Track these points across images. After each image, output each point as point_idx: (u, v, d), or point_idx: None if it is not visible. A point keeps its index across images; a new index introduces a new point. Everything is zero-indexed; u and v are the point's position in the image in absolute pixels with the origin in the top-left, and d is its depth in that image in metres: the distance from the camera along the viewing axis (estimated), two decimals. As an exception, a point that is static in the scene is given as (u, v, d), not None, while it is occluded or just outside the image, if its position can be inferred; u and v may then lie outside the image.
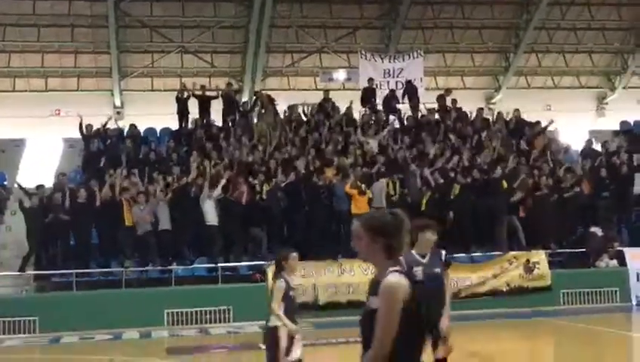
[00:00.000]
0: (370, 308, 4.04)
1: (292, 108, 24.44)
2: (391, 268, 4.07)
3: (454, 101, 25.10)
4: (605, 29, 31.83)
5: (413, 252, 7.51)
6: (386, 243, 4.14)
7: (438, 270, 7.71)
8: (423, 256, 7.62)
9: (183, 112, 23.51)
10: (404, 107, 25.40)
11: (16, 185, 20.93)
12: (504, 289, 18.94)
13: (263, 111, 24.07)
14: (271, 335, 7.95)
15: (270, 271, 17.83)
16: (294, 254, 8.26)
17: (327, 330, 15.51)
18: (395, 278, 4.00)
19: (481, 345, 14.10)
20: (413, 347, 4.03)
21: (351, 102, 24.56)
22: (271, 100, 24.24)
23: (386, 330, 3.90)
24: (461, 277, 18.82)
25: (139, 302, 17.18)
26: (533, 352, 14.38)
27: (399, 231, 4.19)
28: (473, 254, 19.72)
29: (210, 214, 18.35)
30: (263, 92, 25.68)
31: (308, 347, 14.07)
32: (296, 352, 7.98)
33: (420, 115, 24.81)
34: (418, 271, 7.42)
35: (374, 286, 4.07)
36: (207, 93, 24.21)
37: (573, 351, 13.52)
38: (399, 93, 25.69)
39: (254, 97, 25.64)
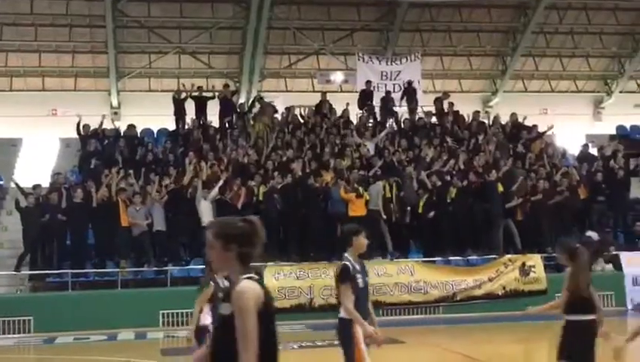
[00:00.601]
0: (221, 314, 3.95)
1: (289, 110, 24.48)
2: (244, 275, 3.96)
3: (451, 104, 25.14)
4: (602, 33, 31.86)
5: (347, 255, 7.42)
6: (239, 251, 4.01)
7: (367, 278, 7.63)
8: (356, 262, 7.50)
9: (179, 113, 23.51)
10: (401, 110, 25.44)
11: (13, 185, 20.90)
12: (500, 293, 18.97)
13: (260, 111, 24.10)
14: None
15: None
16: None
17: (323, 332, 15.50)
18: (247, 284, 3.90)
19: (477, 347, 14.11)
20: (267, 356, 3.92)
21: (347, 105, 24.60)
22: (272, 109, 24.28)
23: (247, 336, 3.80)
24: (457, 280, 18.87)
25: (134, 303, 17.17)
26: (529, 355, 14.40)
27: (253, 238, 4.07)
28: (469, 257, 19.75)
29: (206, 215, 18.34)
30: (265, 100, 25.57)
31: (303, 349, 14.09)
32: None
33: (417, 117, 24.86)
34: (359, 278, 7.40)
35: (228, 293, 3.97)
36: (204, 94, 24.21)
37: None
38: (396, 95, 25.74)
39: (253, 100, 25.61)
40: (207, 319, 8.47)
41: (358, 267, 7.47)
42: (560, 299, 7.85)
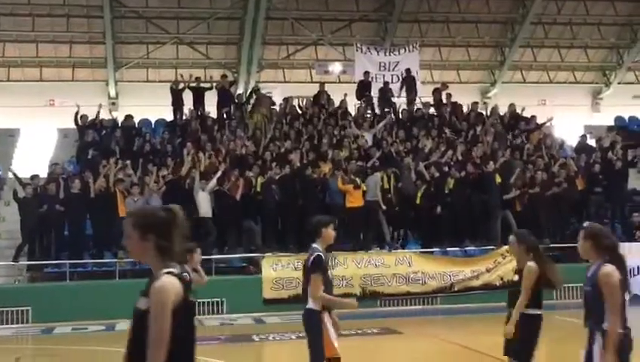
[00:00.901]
0: (138, 308, 3.84)
1: (287, 100, 24.45)
2: (164, 270, 3.83)
3: (449, 95, 25.12)
4: (601, 24, 31.83)
5: (316, 246, 7.40)
6: (157, 241, 3.86)
7: (332, 270, 7.70)
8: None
9: (177, 104, 23.46)
10: (400, 100, 25.41)
11: (11, 175, 20.88)
12: (497, 284, 18.98)
13: (257, 102, 24.08)
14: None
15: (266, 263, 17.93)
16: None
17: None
18: (166, 280, 3.78)
19: (475, 338, 14.13)
20: (183, 353, 3.85)
21: (345, 95, 24.56)
22: (268, 100, 24.25)
23: (159, 334, 3.70)
24: (455, 271, 18.89)
25: (132, 293, 16.68)
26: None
27: (172, 228, 3.90)
28: (467, 248, 19.77)
29: (204, 206, 18.33)
30: (262, 91, 25.50)
31: (301, 339, 14.10)
32: None
33: (415, 108, 24.84)
34: (328, 269, 7.43)
35: (147, 287, 3.85)
36: (202, 85, 24.17)
37: (565, 345, 13.55)
38: (394, 86, 25.71)
39: (250, 92, 25.56)
40: None
41: (326, 258, 7.45)
42: (523, 297, 7.53)
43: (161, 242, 3.87)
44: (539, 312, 7.64)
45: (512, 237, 8.01)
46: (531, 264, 7.53)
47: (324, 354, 7.27)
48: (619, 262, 6.13)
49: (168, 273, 3.82)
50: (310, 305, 7.40)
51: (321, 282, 7.30)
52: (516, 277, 7.81)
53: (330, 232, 7.46)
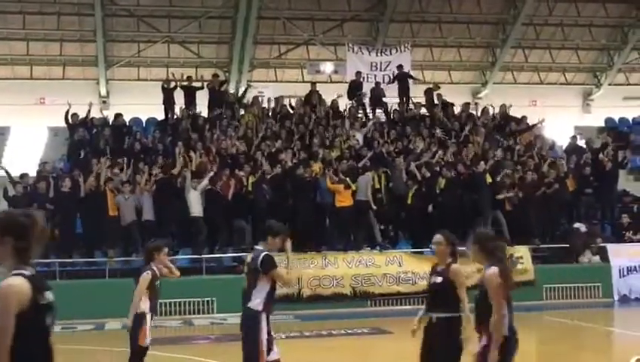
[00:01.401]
0: None
1: (278, 100, 24.42)
2: (15, 271, 3.88)
3: (440, 95, 25.16)
4: (592, 25, 31.94)
5: (259, 248, 7.53)
6: (14, 244, 3.92)
7: None
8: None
9: (168, 103, 23.41)
10: (391, 100, 25.41)
11: (2, 172, 20.77)
12: (487, 284, 19.00)
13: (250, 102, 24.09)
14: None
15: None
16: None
17: (311, 323, 15.53)
18: (12, 280, 3.83)
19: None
20: (32, 353, 3.85)
21: (338, 96, 24.55)
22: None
23: (2, 333, 3.72)
24: (445, 271, 18.88)
25: (122, 293, 16.84)
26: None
27: (30, 232, 3.97)
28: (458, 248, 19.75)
29: (195, 205, 18.30)
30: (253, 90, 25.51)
31: (291, 339, 14.10)
32: None
33: (406, 107, 24.85)
34: None
35: None
36: (193, 84, 24.12)
37: (554, 345, 13.60)
38: (385, 86, 25.70)
39: (245, 90, 25.55)
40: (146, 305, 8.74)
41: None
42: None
43: (17, 244, 3.93)
44: (457, 315, 6.99)
45: (439, 236, 7.26)
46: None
47: (259, 356, 7.26)
48: (501, 264, 6.28)
49: (18, 274, 3.87)
50: (252, 305, 7.40)
51: (284, 273, 7.57)
52: (439, 279, 7.19)
53: (277, 243, 7.59)
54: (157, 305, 8.98)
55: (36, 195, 18.28)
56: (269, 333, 7.39)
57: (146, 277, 8.63)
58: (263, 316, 7.38)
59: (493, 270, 6.16)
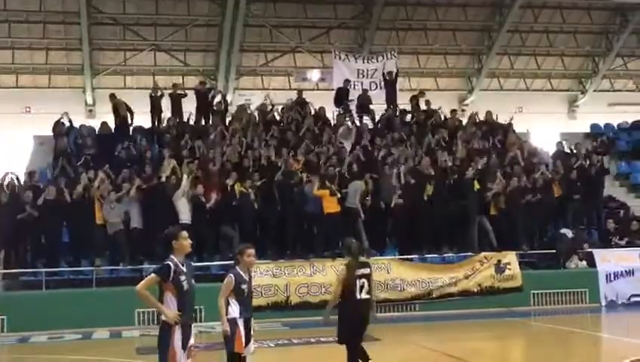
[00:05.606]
0: None
1: (265, 107, 24.31)
2: None
3: (428, 102, 25.23)
4: (577, 32, 32.19)
5: (173, 257, 7.36)
6: None
7: (193, 281, 7.60)
8: (182, 264, 7.44)
9: (156, 111, 23.36)
10: (378, 108, 25.42)
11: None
12: (475, 290, 19.06)
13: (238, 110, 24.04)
14: None
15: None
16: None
17: (299, 330, 15.49)
18: None
19: (453, 345, 14.17)
20: None
21: (323, 107, 24.49)
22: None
23: None
24: (433, 278, 18.92)
25: (109, 302, 17.02)
26: (504, 352, 14.48)
27: None
28: (445, 254, 19.81)
29: (184, 213, 18.23)
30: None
31: (280, 347, 14.06)
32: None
33: (393, 114, 24.85)
34: (184, 279, 7.39)
35: None
36: (180, 92, 24.06)
37: (542, 351, 13.63)
38: (372, 93, 25.71)
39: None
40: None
41: (184, 268, 7.42)
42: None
43: None
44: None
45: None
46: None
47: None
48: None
49: None
50: (163, 317, 7.34)
51: (152, 281, 7.26)
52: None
53: (183, 244, 7.44)
54: (248, 309, 8.65)
55: (22, 204, 18.13)
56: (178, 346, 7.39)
57: (228, 281, 8.51)
58: (174, 329, 7.38)
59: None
